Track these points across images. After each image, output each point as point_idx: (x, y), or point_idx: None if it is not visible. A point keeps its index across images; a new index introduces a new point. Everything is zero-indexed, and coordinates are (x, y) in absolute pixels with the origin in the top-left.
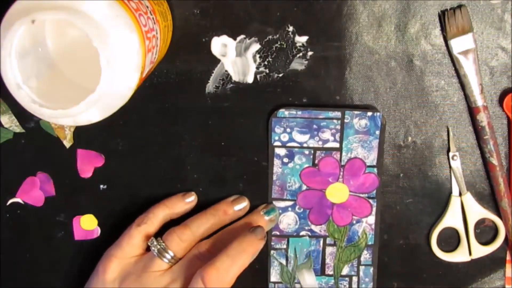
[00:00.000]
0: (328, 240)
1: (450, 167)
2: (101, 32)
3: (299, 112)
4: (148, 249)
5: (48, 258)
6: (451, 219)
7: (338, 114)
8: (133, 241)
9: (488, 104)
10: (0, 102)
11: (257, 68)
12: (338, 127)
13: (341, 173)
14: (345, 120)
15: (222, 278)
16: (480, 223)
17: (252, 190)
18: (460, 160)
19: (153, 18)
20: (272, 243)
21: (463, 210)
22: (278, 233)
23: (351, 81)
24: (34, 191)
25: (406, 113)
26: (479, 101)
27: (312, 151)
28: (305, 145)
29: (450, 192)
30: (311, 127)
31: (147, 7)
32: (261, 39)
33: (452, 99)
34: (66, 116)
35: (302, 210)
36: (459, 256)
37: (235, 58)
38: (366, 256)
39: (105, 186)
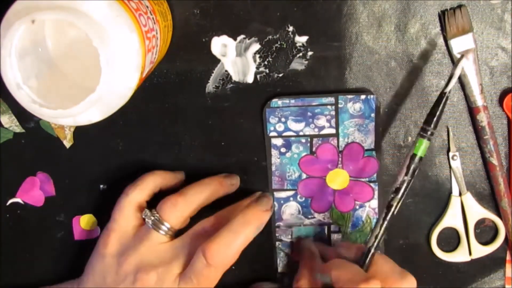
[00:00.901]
0: (333, 227)
1: (450, 167)
2: (101, 32)
3: (292, 101)
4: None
5: (48, 258)
6: (451, 219)
7: (331, 99)
8: (124, 212)
9: (488, 104)
10: (0, 102)
11: (257, 68)
12: (333, 112)
13: (340, 159)
14: (339, 105)
15: (225, 252)
16: (480, 223)
17: (252, 190)
18: (460, 160)
19: (153, 18)
20: (277, 235)
21: (463, 210)
22: (282, 224)
23: (351, 81)
24: (34, 191)
25: (406, 113)
26: (479, 101)
27: (309, 139)
28: (301, 133)
29: (450, 192)
30: (306, 115)
31: (147, 7)
32: (261, 39)
33: (452, 99)
34: (66, 116)
35: (303, 199)
36: (459, 256)
37: (235, 58)
38: (371, 239)
39: (105, 186)
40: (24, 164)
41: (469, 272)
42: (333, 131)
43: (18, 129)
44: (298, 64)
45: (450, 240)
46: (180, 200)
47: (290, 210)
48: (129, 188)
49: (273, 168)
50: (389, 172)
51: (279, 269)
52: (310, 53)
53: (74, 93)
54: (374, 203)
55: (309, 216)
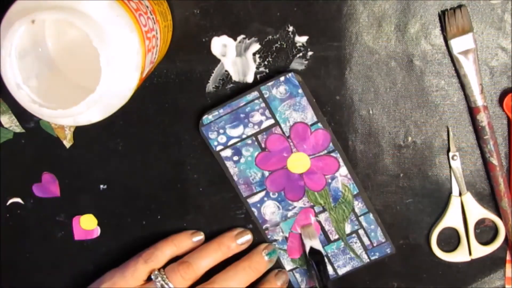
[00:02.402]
0: (316, 209)
1: (450, 167)
2: (101, 32)
3: (221, 110)
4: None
5: (48, 258)
6: (451, 219)
7: (255, 93)
8: (138, 275)
9: (488, 104)
10: (0, 102)
11: (257, 68)
12: (263, 104)
13: (291, 144)
14: (265, 95)
15: None
16: (480, 223)
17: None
18: (460, 160)
19: (153, 18)
20: (269, 236)
21: (463, 210)
22: (269, 226)
23: (351, 81)
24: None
25: (406, 113)
26: (479, 101)
27: (254, 138)
28: (244, 136)
29: (450, 192)
30: (240, 118)
31: (147, 7)
32: (261, 39)
33: (452, 99)
34: (66, 116)
35: (276, 194)
36: (459, 256)
37: (235, 58)
38: (359, 206)
39: (105, 186)
40: (24, 164)
41: (469, 272)
42: (272, 121)
43: (18, 129)
44: (298, 64)
45: (450, 240)
46: (189, 272)
47: (270, 209)
48: (149, 256)
49: (235, 178)
50: (389, 173)
51: (287, 268)
52: (310, 53)
53: (74, 93)
54: (343, 170)
55: (290, 208)
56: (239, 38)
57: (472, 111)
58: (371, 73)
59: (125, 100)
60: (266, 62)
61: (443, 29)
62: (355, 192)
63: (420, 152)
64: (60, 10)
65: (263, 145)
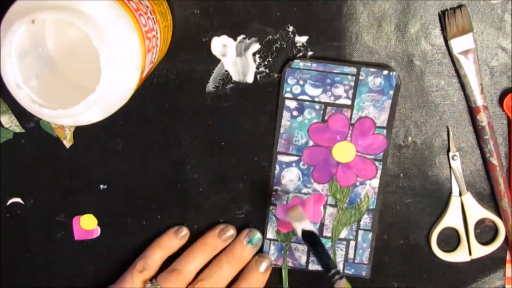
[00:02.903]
0: (329, 200)
1: (450, 167)
2: (101, 32)
3: (314, 65)
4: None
5: (48, 258)
6: (451, 219)
7: (353, 70)
8: (134, 286)
9: (488, 104)
10: (0, 102)
11: (257, 68)
12: (352, 83)
13: (350, 132)
14: (360, 77)
15: None
16: (480, 223)
17: (252, 190)
18: (460, 160)
19: (153, 18)
20: (272, 199)
21: (463, 210)
22: (279, 189)
23: None
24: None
25: (406, 113)
26: (479, 101)
27: (323, 106)
28: (316, 99)
29: (450, 192)
30: (325, 81)
31: (147, 7)
32: (261, 39)
33: (452, 99)
34: (66, 116)
35: (306, 166)
36: (459, 256)
37: (235, 58)
38: (366, 220)
39: (105, 186)
40: (24, 164)
41: (469, 272)
42: (348, 102)
43: (18, 129)
44: None
45: (450, 240)
46: (180, 279)
47: (290, 175)
48: (142, 266)
49: (282, 130)
50: (389, 173)
51: (268, 235)
52: (310, 53)
53: (74, 93)
54: (376, 182)
55: (308, 185)
56: (239, 38)
57: (472, 111)
58: None
59: (125, 100)
60: (266, 62)
61: (443, 29)
62: (372, 207)
63: (420, 152)
64: (60, 10)
65: (326, 118)
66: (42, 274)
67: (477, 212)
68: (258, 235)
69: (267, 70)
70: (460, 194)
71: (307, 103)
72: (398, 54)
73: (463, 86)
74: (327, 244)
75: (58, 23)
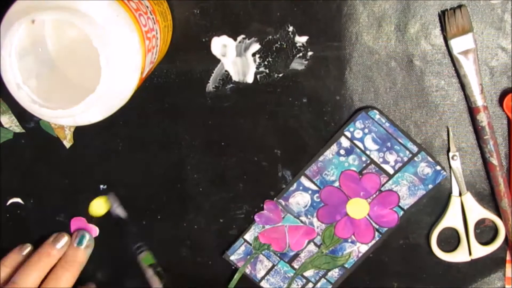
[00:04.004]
0: (317, 239)
1: (450, 167)
2: (101, 32)
3: (387, 124)
4: None
5: None
6: (451, 219)
7: (414, 148)
8: None
9: (488, 104)
10: (0, 102)
11: (257, 68)
12: (406, 159)
13: (374, 196)
14: (415, 158)
15: None
16: (480, 223)
17: (252, 190)
18: (460, 160)
19: (153, 18)
20: (270, 205)
21: (463, 210)
22: (283, 203)
23: (351, 81)
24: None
25: (406, 113)
26: (479, 101)
27: (369, 161)
28: (367, 152)
29: (450, 192)
30: (385, 143)
31: (147, 7)
32: (261, 39)
33: (452, 99)
34: (66, 116)
35: (319, 200)
36: (459, 256)
37: (235, 58)
38: (334, 273)
39: (105, 186)
40: (24, 164)
41: (469, 272)
42: (391, 171)
43: (18, 129)
44: (298, 64)
45: (450, 240)
46: None
47: (300, 200)
48: None
49: (321, 158)
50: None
51: (245, 236)
52: (310, 53)
53: (74, 93)
54: (364, 248)
55: (309, 216)
56: (239, 38)
57: (472, 111)
58: (371, 73)
59: (125, 100)
60: (266, 62)
61: (443, 29)
62: (346, 266)
63: None
64: (60, 10)
65: (363, 171)
66: None
67: (477, 212)
68: (86, 235)
69: (267, 70)
70: (460, 194)
71: (358, 150)
72: (398, 54)
73: (463, 86)
74: (289, 273)
75: (58, 23)
